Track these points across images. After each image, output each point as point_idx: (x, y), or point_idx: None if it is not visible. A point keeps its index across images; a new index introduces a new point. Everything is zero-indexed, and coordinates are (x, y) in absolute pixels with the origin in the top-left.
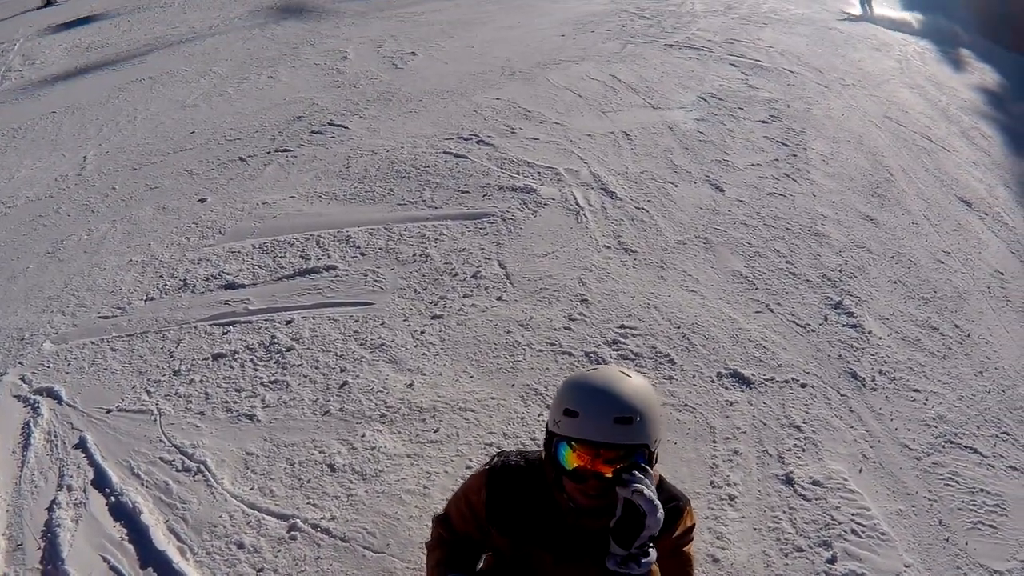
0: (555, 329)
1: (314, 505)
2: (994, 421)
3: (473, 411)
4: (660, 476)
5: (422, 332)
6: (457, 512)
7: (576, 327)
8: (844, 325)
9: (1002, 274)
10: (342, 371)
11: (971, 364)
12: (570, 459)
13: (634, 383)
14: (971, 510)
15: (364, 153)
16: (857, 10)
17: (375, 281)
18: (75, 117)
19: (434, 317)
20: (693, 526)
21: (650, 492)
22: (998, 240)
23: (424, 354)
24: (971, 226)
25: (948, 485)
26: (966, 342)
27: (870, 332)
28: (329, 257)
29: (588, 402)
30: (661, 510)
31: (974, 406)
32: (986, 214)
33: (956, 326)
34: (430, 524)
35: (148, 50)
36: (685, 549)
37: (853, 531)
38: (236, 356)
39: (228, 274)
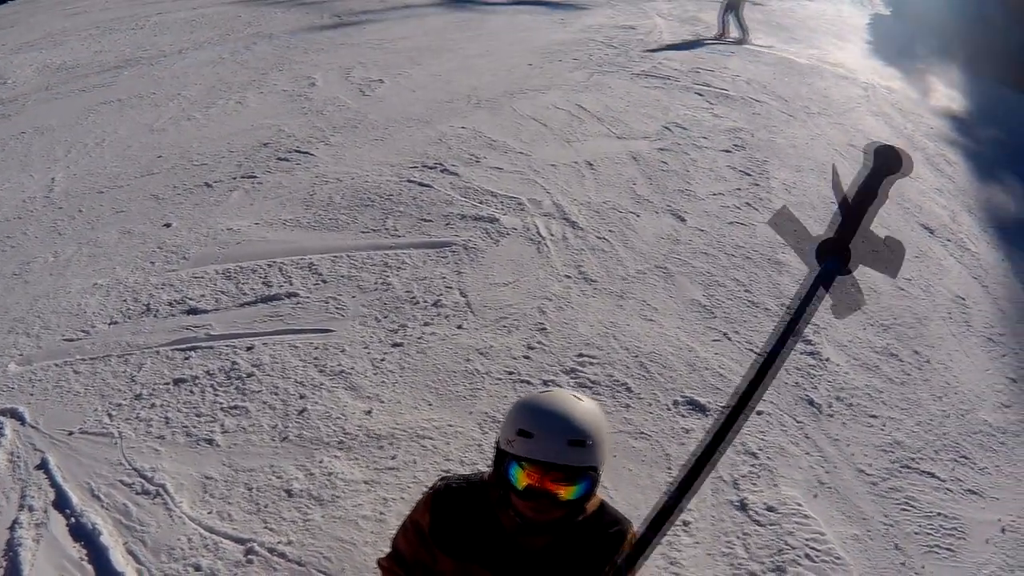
0: (514, 358)
1: (271, 529)
2: (953, 445)
3: (431, 438)
4: (602, 500)
5: (382, 360)
6: (405, 542)
7: (535, 356)
8: (802, 352)
9: (963, 299)
10: (301, 397)
11: (930, 389)
12: (520, 478)
13: (586, 407)
14: (928, 534)
15: (329, 181)
16: (715, 31)
17: (336, 308)
18: (44, 138)
19: (394, 345)
20: None
21: None
22: (960, 266)
23: (383, 381)
24: (933, 252)
25: (905, 509)
26: (925, 367)
27: (828, 359)
28: (291, 284)
29: (543, 424)
30: None
31: (932, 431)
32: (949, 240)
33: (915, 352)
34: (378, 567)
35: (118, 72)
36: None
37: (807, 556)
38: (197, 381)
39: (191, 299)
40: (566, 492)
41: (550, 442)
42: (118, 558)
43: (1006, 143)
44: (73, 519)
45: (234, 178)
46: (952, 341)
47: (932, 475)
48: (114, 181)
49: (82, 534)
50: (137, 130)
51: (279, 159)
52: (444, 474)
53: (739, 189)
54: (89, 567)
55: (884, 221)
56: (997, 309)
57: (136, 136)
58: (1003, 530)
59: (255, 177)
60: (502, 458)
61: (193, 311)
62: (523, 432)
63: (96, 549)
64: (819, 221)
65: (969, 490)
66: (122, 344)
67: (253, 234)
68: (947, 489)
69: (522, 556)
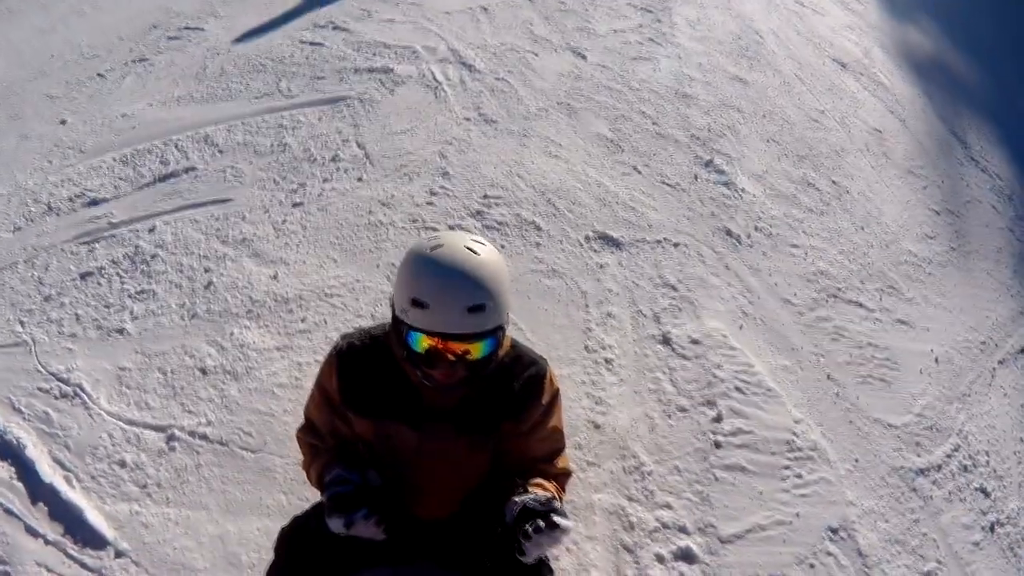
0: (417, 205)
1: (189, 412)
2: (879, 275)
3: (339, 295)
4: (514, 342)
5: (283, 222)
6: (316, 411)
7: (439, 201)
8: (715, 183)
9: (880, 132)
10: (207, 271)
11: (851, 219)
12: (421, 344)
13: (482, 260)
14: (860, 364)
15: (220, 52)
16: None
17: (234, 176)
18: None
19: (295, 205)
20: (558, 391)
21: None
22: (875, 99)
23: (287, 244)
24: (846, 86)
25: (834, 339)
26: (845, 198)
27: (743, 189)
28: (188, 159)
29: (437, 293)
30: (569, 533)
31: (857, 260)
32: (862, 75)
33: (834, 182)
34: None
35: None
36: (555, 422)
37: (737, 388)
38: (103, 272)
39: (90, 191)
40: (471, 353)
41: (446, 312)
42: (45, 469)
43: None
44: None
45: (125, 64)
46: (871, 172)
47: (859, 304)
48: (9, 88)
49: (8, 452)
50: (28, 34)
51: (170, 38)
52: (344, 332)
53: (641, 26)
54: (19, 484)
55: (793, 54)
56: (916, 143)
57: (27, 40)
58: (936, 360)
59: (147, 60)
60: (399, 323)
61: (93, 202)
62: (417, 302)
63: (23, 464)
64: (726, 55)
65: (899, 320)
66: (27, 248)
67: (147, 116)
68: (876, 319)
69: (440, 409)
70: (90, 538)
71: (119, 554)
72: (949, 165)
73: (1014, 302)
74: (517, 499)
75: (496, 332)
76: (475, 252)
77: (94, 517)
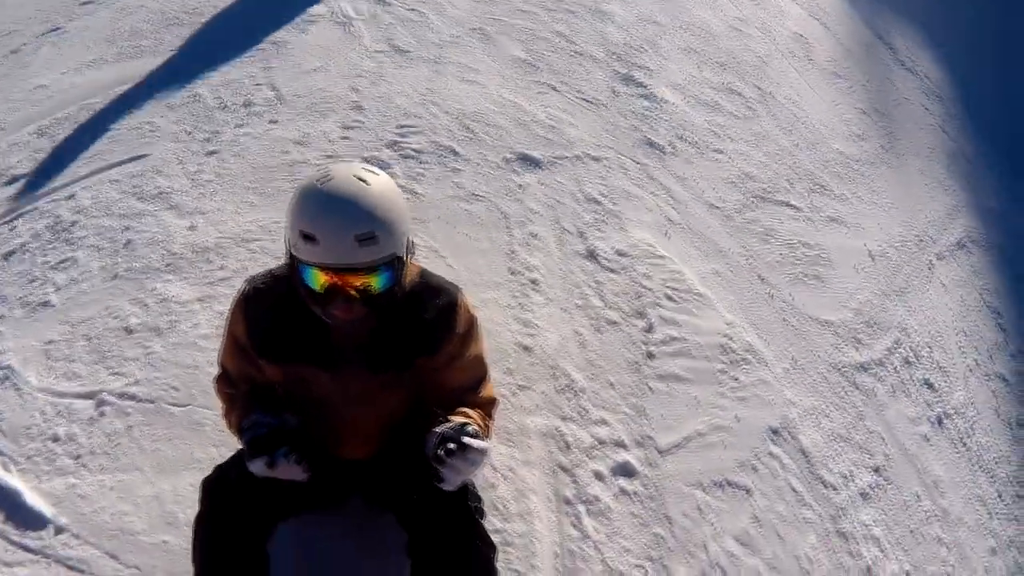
0: (331, 141)
1: (116, 374)
2: (807, 175)
3: (258, 239)
4: (422, 270)
5: (198, 171)
6: (230, 360)
7: (353, 135)
8: (635, 97)
9: (804, 37)
10: (126, 230)
11: (777, 123)
12: (317, 280)
13: (372, 190)
14: (792, 263)
15: (133, 11)
16: None
17: (149, 131)
18: None
19: (209, 154)
20: (474, 318)
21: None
22: (797, 6)
23: (202, 193)
24: None
25: (764, 240)
26: (769, 102)
27: (664, 100)
28: (103, 120)
29: (324, 225)
30: (486, 455)
31: (784, 162)
32: None
33: (758, 87)
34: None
35: None
36: (474, 351)
37: (667, 296)
38: (25, 248)
39: (10, 169)
40: (369, 286)
41: (335, 244)
42: None
43: None
44: None
45: (38, 37)
46: (795, 77)
47: (788, 205)
48: None
49: None
50: None
51: (81, 4)
52: (250, 275)
53: None
54: None
55: None
56: (840, 46)
57: None
58: (871, 256)
59: (60, 28)
60: (294, 259)
61: (13, 180)
62: (305, 235)
63: None
64: None
65: (830, 218)
66: None
67: (63, 84)
68: (806, 218)
69: (350, 348)
70: (30, 520)
71: (59, 530)
72: (876, 67)
73: (949, 198)
74: (437, 429)
75: (392, 263)
76: (365, 181)
77: (32, 498)
